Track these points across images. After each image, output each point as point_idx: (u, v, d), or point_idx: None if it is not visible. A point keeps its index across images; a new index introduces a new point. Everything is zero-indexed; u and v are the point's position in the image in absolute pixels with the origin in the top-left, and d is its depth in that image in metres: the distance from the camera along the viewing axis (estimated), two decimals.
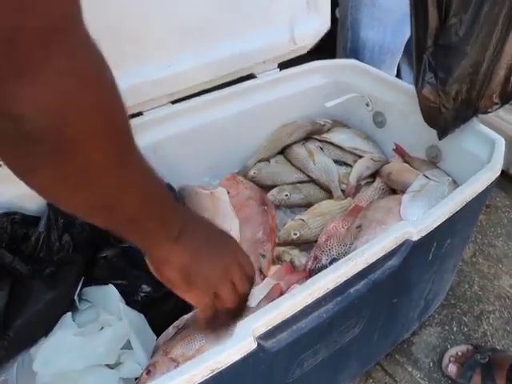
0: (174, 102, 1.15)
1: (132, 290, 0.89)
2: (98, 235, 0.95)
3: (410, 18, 0.94)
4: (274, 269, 1.01)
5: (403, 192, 1.13)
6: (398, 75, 1.61)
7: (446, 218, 0.89)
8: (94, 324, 0.82)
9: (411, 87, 1.23)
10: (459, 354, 1.19)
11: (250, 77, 1.27)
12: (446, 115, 1.00)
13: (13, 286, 0.82)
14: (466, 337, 1.27)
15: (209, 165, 1.20)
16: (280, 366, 0.77)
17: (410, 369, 1.21)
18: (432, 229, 0.87)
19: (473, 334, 1.28)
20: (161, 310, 0.91)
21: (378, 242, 0.80)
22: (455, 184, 1.12)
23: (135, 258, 0.93)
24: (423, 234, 0.86)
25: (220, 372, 0.64)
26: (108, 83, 0.46)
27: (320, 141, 1.30)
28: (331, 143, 1.29)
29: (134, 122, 1.07)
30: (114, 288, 0.86)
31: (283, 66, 1.33)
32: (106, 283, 0.89)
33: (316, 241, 1.05)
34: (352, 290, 0.80)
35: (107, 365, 0.79)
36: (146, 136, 1.09)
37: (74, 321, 0.85)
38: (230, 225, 1.04)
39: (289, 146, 1.28)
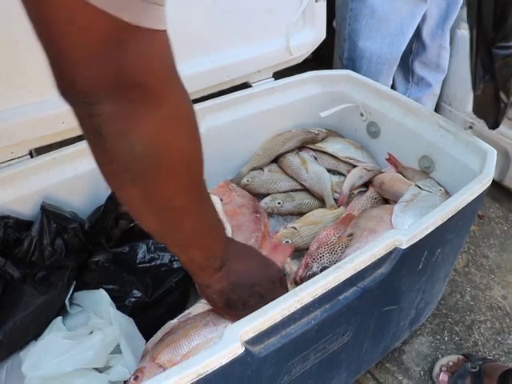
0: None
1: (123, 295, 0.89)
2: (91, 240, 0.95)
3: (469, 10, 0.93)
4: None
5: (395, 201, 1.14)
6: (393, 86, 1.62)
7: (436, 227, 0.90)
8: (84, 328, 0.82)
9: (405, 98, 1.25)
10: (450, 363, 1.20)
11: (245, 86, 1.28)
12: (502, 109, 1.00)
13: (4, 290, 0.82)
14: (457, 346, 1.28)
15: None
16: (268, 372, 0.77)
17: (400, 377, 1.21)
18: (422, 237, 0.88)
19: (464, 343, 1.28)
20: (151, 314, 0.91)
21: (368, 249, 0.81)
22: (447, 194, 1.13)
23: (127, 263, 0.94)
24: (413, 243, 0.86)
25: (207, 376, 0.64)
26: (196, 127, 0.58)
27: (314, 150, 1.31)
28: (325, 152, 1.30)
29: None
30: (105, 293, 0.87)
31: (278, 75, 1.34)
32: (97, 288, 0.89)
33: (308, 249, 1.05)
34: (341, 298, 0.80)
35: (96, 368, 0.80)
36: None
37: (64, 325, 0.85)
38: None
39: (282, 154, 1.29)
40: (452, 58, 1.64)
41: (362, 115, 1.31)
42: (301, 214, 1.18)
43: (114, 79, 0.47)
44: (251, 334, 0.68)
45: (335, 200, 1.21)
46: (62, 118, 0.99)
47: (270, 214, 1.19)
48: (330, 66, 1.86)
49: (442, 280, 1.20)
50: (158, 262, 0.96)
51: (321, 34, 1.36)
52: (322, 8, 1.33)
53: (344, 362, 0.99)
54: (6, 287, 0.83)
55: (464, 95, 1.69)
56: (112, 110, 0.49)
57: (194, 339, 0.77)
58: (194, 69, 1.15)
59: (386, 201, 1.22)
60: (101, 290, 0.87)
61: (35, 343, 0.81)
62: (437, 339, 1.30)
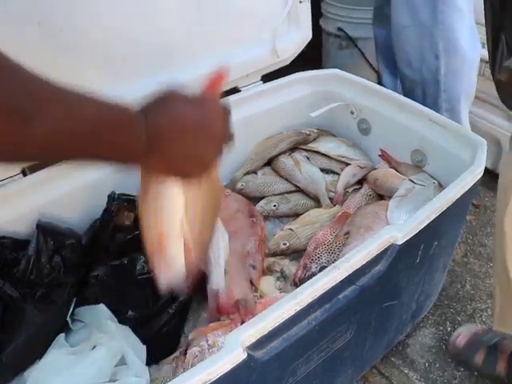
0: None
1: (124, 308, 0.90)
2: (89, 255, 0.96)
3: None
4: (264, 279, 1.02)
5: (390, 197, 1.14)
6: (380, 82, 1.63)
7: (431, 220, 0.90)
8: (86, 343, 0.83)
9: (394, 93, 1.26)
10: (471, 331, 1.21)
11: (234, 90, 1.29)
12: None
13: (4, 311, 0.83)
14: None
15: None
16: (272, 375, 0.78)
17: (406, 371, 1.21)
18: (417, 232, 0.89)
19: None
20: (153, 326, 0.92)
21: (363, 248, 0.82)
22: (441, 187, 1.13)
23: (126, 275, 0.94)
24: (408, 238, 0.87)
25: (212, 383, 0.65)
26: None
27: (306, 150, 1.31)
28: (318, 152, 1.31)
29: None
30: (105, 307, 0.87)
31: (267, 77, 1.35)
32: (98, 302, 0.89)
33: (305, 250, 1.06)
34: (340, 297, 0.81)
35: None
36: None
37: (67, 341, 0.86)
38: (220, 238, 1.05)
39: (275, 157, 1.29)
40: None
41: (352, 113, 1.32)
42: (297, 215, 1.19)
43: None
44: (253, 339, 0.69)
45: (330, 199, 1.22)
46: None
47: (266, 217, 1.19)
48: (318, 66, 1.87)
49: (441, 271, 1.20)
50: None
51: (307, 35, 1.37)
52: (306, 8, 1.34)
53: (348, 359, 0.99)
54: (6, 308, 0.83)
55: None
56: None
57: None
58: (180, 76, 1.15)
59: (380, 197, 1.22)
60: (101, 304, 0.87)
61: (38, 362, 0.82)
62: (440, 330, 1.30)
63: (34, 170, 1.02)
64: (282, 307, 0.72)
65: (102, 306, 0.88)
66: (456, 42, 1.31)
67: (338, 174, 1.28)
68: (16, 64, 0.50)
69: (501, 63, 0.82)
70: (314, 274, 0.98)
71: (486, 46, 0.87)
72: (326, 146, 1.32)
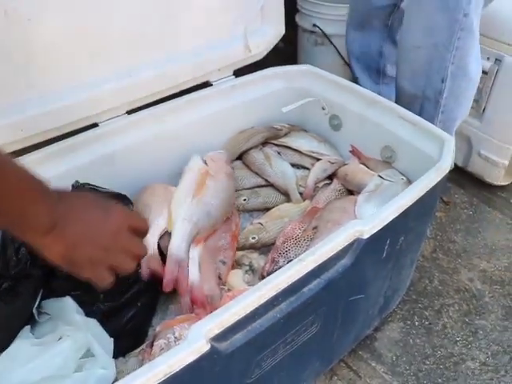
0: (130, 113, 1.16)
1: (91, 301, 0.89)
2: None
3: None
4: (232, 273, 1.03)
5: (359, 193, 1.16)
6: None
7: (396, 216, 0.92)
8: (52, 335, 0.82)
9: (365, 90, 1.27)
10: None
11: (206, 85, 1.29)
12: None
13: None
14: (427, 330, 1.30)
15: (167, 173, 1.21)
16: (237, 368, 0.78)
17: (373, 364, 1.23)
18: (383, 226, 0.90)
19: (434, 327, 1.31)
20: (121, 318, 0.92)
21: (329, 241, 0.83)
22: (409, 183, 1.15)
23: None
24: (374, 232, 0.88)
25: (174, 375, 0.65)
26: None
27: (277, 145, 1.32)
28: (289, 147, 1.32)
29: (90, 132, 1.09)
30: (71, 299, 0.86)
31: (240, 72, 1.35)
32: (64, 295, 0.89)
33: (274, 244, 1.07)
34: (305, 290, 0.82)
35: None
36: (103, 147, 1.10)
37: (33, 334, 0.85)
38: None
39: (246, 151, 1.30)
40: None
41: (323, 109, 1.33)
42: (267, 209, 1.20)
43: None
44: (216, 331, 0.69)
45: (300, 194, 1.23)
46: (20, 126, 0.98)
47: (236, 211, 1.20)
48: (293, 62, 1.88)
49: (408, 267, 1.22)
50: None
51: (279, 30, 1.37)
52: (279, 4, 1.34)
53: (315, 352, 1.00)
54: None
55: None
56: None
57: None
58: (152, 70, 1.16)
59: (350, 192, 1.24)
60: (67, 297, 0.87)
61: (2, 353, 0.81)
62: (407, 324, 1.32)
63: None
64: (246, 299, 0.72)
65: (68, 299, 0.87)
66: (465, 68, 1.31)
67: (308, 169, 1.28)
68: None
69: None
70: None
71: None
72: (298, 141, 1.33)
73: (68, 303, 0.87)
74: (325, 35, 1.88)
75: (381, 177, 1.17)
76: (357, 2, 1.54)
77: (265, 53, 1.37)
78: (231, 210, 1.14)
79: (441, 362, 1.24)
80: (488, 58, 1.50)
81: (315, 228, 1.06)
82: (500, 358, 1.25)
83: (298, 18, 1.99)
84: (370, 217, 0.89)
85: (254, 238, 1.09)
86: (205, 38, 1.24)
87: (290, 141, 1.32)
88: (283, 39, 1.40)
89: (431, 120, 1.38)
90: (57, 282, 0.92)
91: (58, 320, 0.87)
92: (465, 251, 1.52)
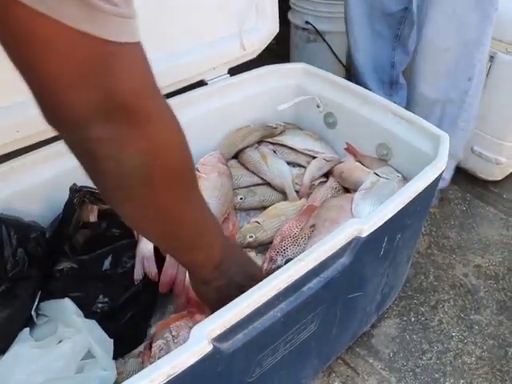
0: None
1: (89, 302, 0.89)
2: (54, 248, 0.95)
3: None
4: None
5: (355, 190, 1.16)
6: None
7: (394, 213, 0.92)
8: (52, 338, 0.82)
9: (360, 88, 1.27)
10: None
11: (201, 83, 1.28)
12: None
13: None
14: (423, 326, 1.31)
15: None
16: (238, 367, 0.79)
17: (371, 360, 1.24)
18: (381, 224, 0.90)
19: (430, 322, 1.32)
20: (120, 319, 0.92)
21: (328, 240, 0.83)
22: (405, 180, 1.15)
23: (92, 269, 0.94)
24: (372, 230, 0.89)
25: (177, 376, 0.65)
26: (182, 135, 0.60)
27: (273, 144, 1.32)
28: (284, 145, 1.31)
29: None
30: (70, 301, 0.86)
31: (234, 70, 1.35)
32: (63, 296, 0.89)
33: (271, 242, 1.07)
34: (305, 289, 0.82)
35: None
36: None
37: (32, 336, 0.85)
38: None
39: (242, 150, 1.30)
40: None
41: (318, 107, 1.33)
42: (263, 208, 1.20)
43: (103, 102, 0.47)
44: (218, 332, 0.69)
45: (296, 192, 1.23)
46: (17, 127, 0.98)
47: (234, 210, 1.20)
48: (285, 59, 1.88)
49: (404, 263, 1.23)
50: (124, 265, 0.97)
51: (274, 28, 1.37)
52: (273, 1, 1.34)
53: (314, 350, 1.01)
54: None
55: None
56: (103, 133, 0.50)
57: None
58: None
59: (346, 190, 1.24)
60: (66, 299, 0.87)
61: (2, 356, 0.81)
62: (404, 321, 1.33)
63: None
64: (247, 299, 0.72)
65: (67, 300, 0.87)
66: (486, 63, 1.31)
67: (304, 167, 1.28)
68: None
69: None
70: (279, 267, 0.98)
71: None
72: (293, 139, 1.32)
73: (67, 305, 0.87)
74: (317, 32, 1.89)
75: (377, 174, 1.17)
76: (365, 13, 1.49)
77: (259, 51, 1.36)
78: (230, 205, 1.14)
79: (437, 357, 1.25)
80: None
81: (313, 226, 1.06)
82: (496, 352, 1.26)
83: (290, 15, 1.99)
84: (369, 215, 0.90)
85: (251, 236, 1.09)
86: (199, 37, 1.23)
87: (286, 139, 1.32)
88: (275, 37, 1.40)
89: (454, 121, 1.38)
90: (55, 283, 0.92)
91: (57, 322, 0.87)
92: (459, 247, 1.53)
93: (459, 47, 1.28)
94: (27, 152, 1.02)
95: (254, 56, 1.37)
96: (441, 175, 1.03)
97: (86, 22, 0.42)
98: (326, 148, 1.32)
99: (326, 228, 1.04)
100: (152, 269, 0.98)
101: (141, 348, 0.91)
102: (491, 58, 1.49)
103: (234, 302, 0.72)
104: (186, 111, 1.22)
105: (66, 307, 0.86)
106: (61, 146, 1.03)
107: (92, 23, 0.42)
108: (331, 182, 1.24)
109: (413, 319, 1.33)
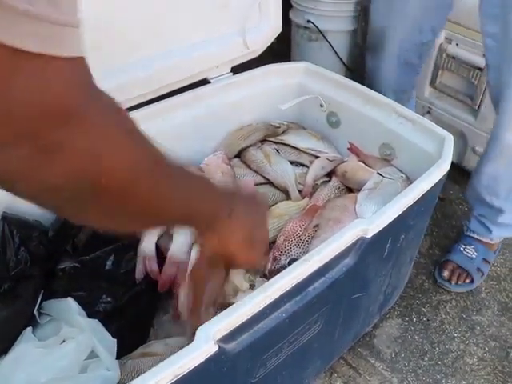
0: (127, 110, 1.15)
1: (92, 301, 0.89)
2: (57, 247, 0.94)
3: None
4: (233, 273, 1.02)
5: (359, 190, 1.16)
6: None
7: (399, 214, 0.92)
8: (56, 338, 0.81)
9: (363, 87, 1.27)
10: None
11: (204, 82, 1.28)
12: None
13: None
14: (425, 326, 1.31)
15: None
16: (243, 367, 0.78)
17: (372, 361, 1.24)
18: (385, 225, 0.90)
19: (431, 323, 1.32)
20: (123, 317, 0.91)
21: (333, 241, 0.82)
22: (408, 180, 1.15)
23: (95, 268, 0.93)
24: (377, 231, 0.88)
25: (184, 376, 0.65)
26: (129, 135, 0.52)
27: (276, 143, 1.32)
28: (287, 145, 1.31)
29: None
30: (73, 301, 0.85)
31: (237, 69, 1.34)
32: (65, 296, 0.88)
33: (274, 242, 1.06)
34: (310, 289, 0.82)
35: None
36: None
37: (34, 335, 0.84)
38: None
39: (245, 149, 1.29)
40: None
41: (321, 106, 1.33)
42: None
43: (6, 124, 0.38)
44: (224, 332, 0.69)
45: (299, 192, 1.22)
46: None
47: None
48: (287, 58, 1.88)
49: (407, 264, 1.23)
50: (127, 265, 0.96)
51: (277, 27, 1.36)
52: (277, 0, 1.34)
53: (317, 350, 1.00)
54: None
55: (421, 80, 1.72)
56: (13, 157, 0.41)
57: None
58: (149, 67, 1.14)
59: (349, 190, 1.23)
60: (68, 298, 0.86)
61: (5, 355, 0.80)
62: (406, 321, 1.33)
63: None
64: (253, 300, 0.72)
65: (70, 300, 0.86)
66: None
67: (307, 166, 1.28)
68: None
69: None
70: (283, 267, 0.99)
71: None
72: (296, 138, 1.32)
73: (70, 304, 0.86)
74: (319, 31, 1.88)
75: (380, 174, 1.17)
76: (401, 40, 1.42)
77: (262, 50, 1.36)
78: None
79: (439, 358, 1.25)
80: (483, 55, 1.50)
81: (316, 226, 1.06)
82: (497, 353, 1.26)
83: (291, 14, 1.98)
84: (374, 216, 0.89)
85: None
86: (203, 35, 1.23)
87: (289, 138, 1.32)
88: (277, 35, 1.39)
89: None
90: (57, 282, 0.92)
91: (60, 321, 0.86)
92: None
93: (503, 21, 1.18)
94: None
95: (257, 55, 1.37)
96: (445, 176, 1.02)
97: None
98: (329, 147, 1.31)
99: (329, 228, 1.03)
100: (154, 268, 0.98)
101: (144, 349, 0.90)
102: None
103: (239, 303, 0.72)
104: (190, 109, 1.21)
105: (69, 306, 0.85)
106: None
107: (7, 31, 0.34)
108: (334, 181, 1.24)
109: (414, 320, 1.33)
